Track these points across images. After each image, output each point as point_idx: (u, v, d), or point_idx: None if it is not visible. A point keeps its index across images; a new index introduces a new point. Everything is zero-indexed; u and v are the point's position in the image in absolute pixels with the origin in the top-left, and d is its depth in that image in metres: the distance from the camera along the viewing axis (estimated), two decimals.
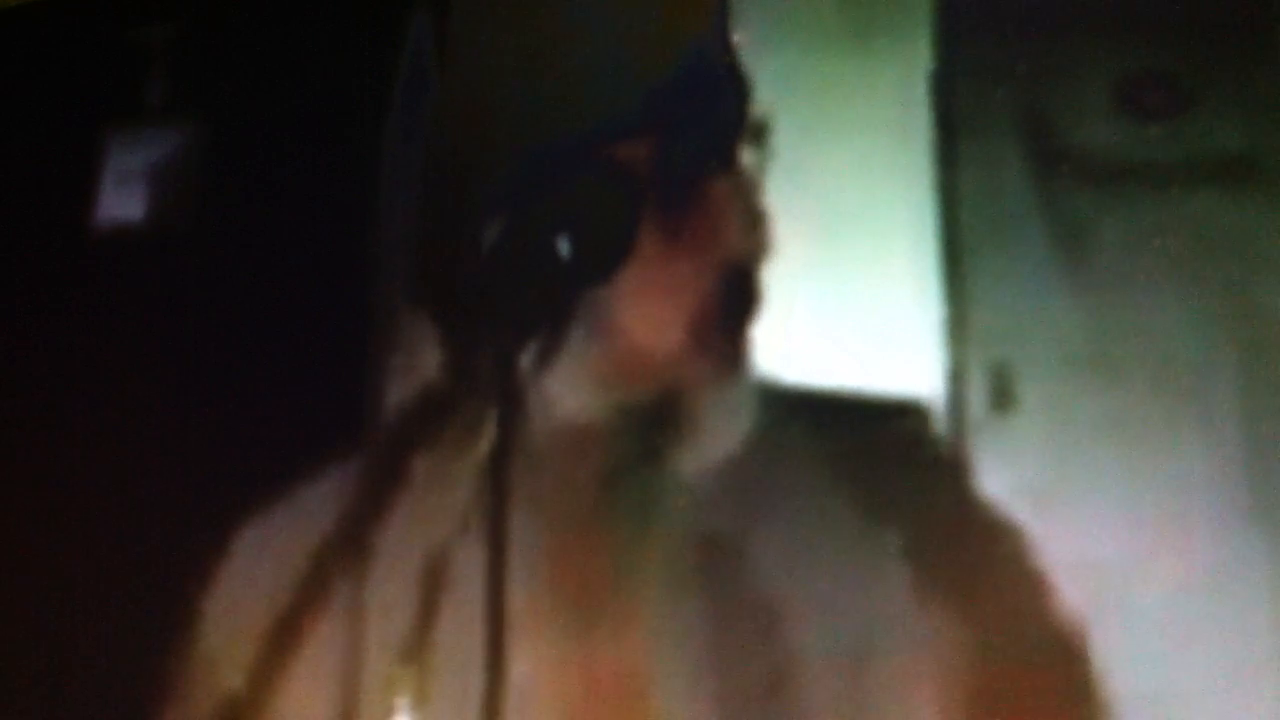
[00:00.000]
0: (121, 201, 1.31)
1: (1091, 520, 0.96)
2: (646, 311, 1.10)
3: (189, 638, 1.15)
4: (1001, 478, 0.98)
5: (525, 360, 1.12)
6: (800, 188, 1.09)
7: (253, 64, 1.30)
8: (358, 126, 1.23)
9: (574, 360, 1.11)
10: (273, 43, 1.30)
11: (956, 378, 1.01)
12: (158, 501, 1.21)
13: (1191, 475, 0.94)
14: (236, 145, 1.28)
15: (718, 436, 1.05)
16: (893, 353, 1.03)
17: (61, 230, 1.32)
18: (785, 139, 1.10)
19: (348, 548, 1.13)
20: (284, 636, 1.13)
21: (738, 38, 1.13)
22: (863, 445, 1.01)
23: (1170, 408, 0.96)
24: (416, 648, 1.09)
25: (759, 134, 1.10)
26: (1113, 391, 0.97)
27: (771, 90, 1.11)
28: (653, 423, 1.07)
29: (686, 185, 1.11)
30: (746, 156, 1.10)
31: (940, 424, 1.00)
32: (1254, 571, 0.92)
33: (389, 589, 1.10)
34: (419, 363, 1.15)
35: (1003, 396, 0.99)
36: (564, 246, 1.14)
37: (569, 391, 1.10)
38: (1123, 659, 0.92)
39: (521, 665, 1.06)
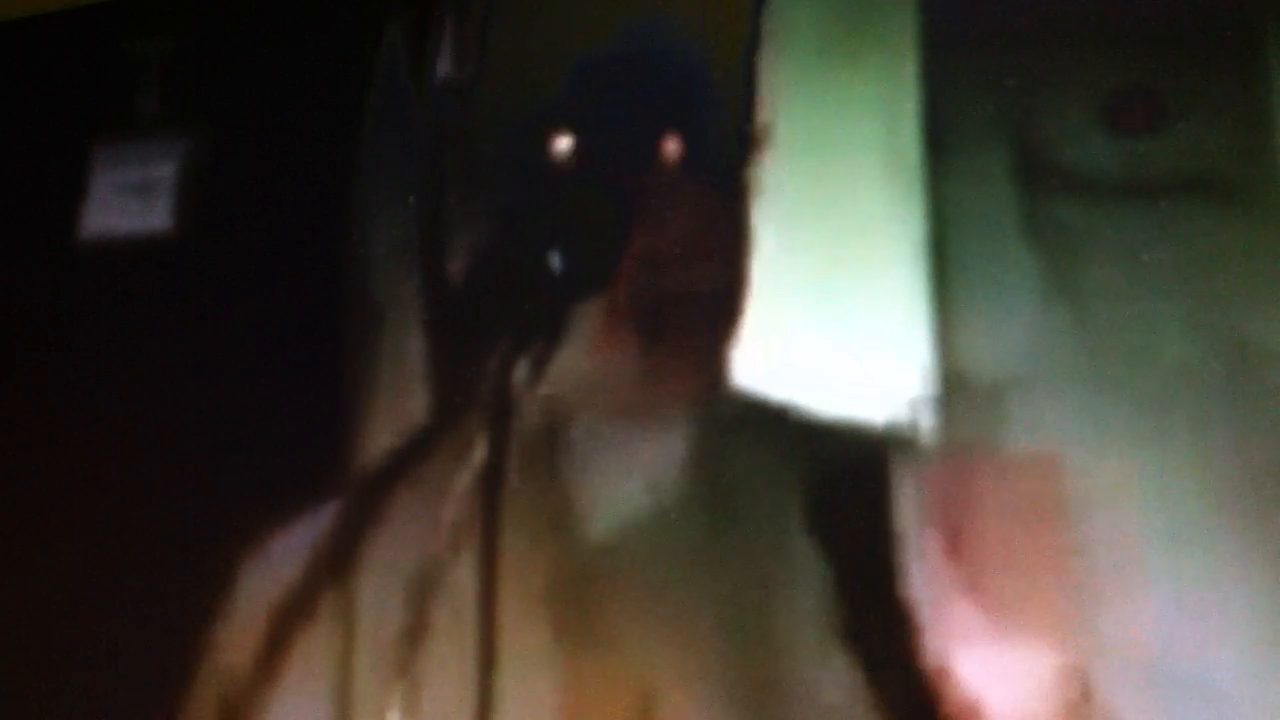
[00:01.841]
0: (110, 212, 1.31)
1: (1083, 531, 0.96)
2: (633, 325, 1.10)
3: (198, 657, 1.15)
4: (995, 491, 0.99)
5: (517, 374, 1.12)
6: (790, 203, 1.09)
7: (246, 76, 1.30)
8: (349, 139, 1.24)
9: (565, 374, 1.11)
10: (266, 56, 1.30)
11: (947, 395, 1.01)
12: (154, 514, 1.21)
13: (1183, 486, 0.95)
14: (228, 156, 1.28)
15: (706, 454, 1.05)
16: (882, 369, 1.03)
17: (51, 240, 1.32)
18: (775, 154, 1.10)
19: (338, 562, 1.13)
20: (277, 650, 1.12)
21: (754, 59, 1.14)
22: (834, 466, 1.02)
23: (1160, 420, 0.96)
24: (408, 660, 1.08)
25: (755, 149, 1.11)
26: (1103, 406, 0.98)
27: (764, 107, 1.12)
28: (643, 438, 1.07)
29: (678, 196, 1.12)
30: (741, 172, 1.10)
31: (929, 442, 1.00)
32: (1247, 574, 0.92)
33: (380, 602, 1.10)
34: (408, 378, 1.15)
35: (994, 413, 1.00)
36: (556, 260, 1.14)
37: (561, 405, 1.10)
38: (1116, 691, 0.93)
39: (513, 677, 1.06)
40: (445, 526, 1.10)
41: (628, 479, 1.07)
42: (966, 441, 1.00)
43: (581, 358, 1.11)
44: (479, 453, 1.11)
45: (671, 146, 1.13)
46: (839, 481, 1.01)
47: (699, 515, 1.05)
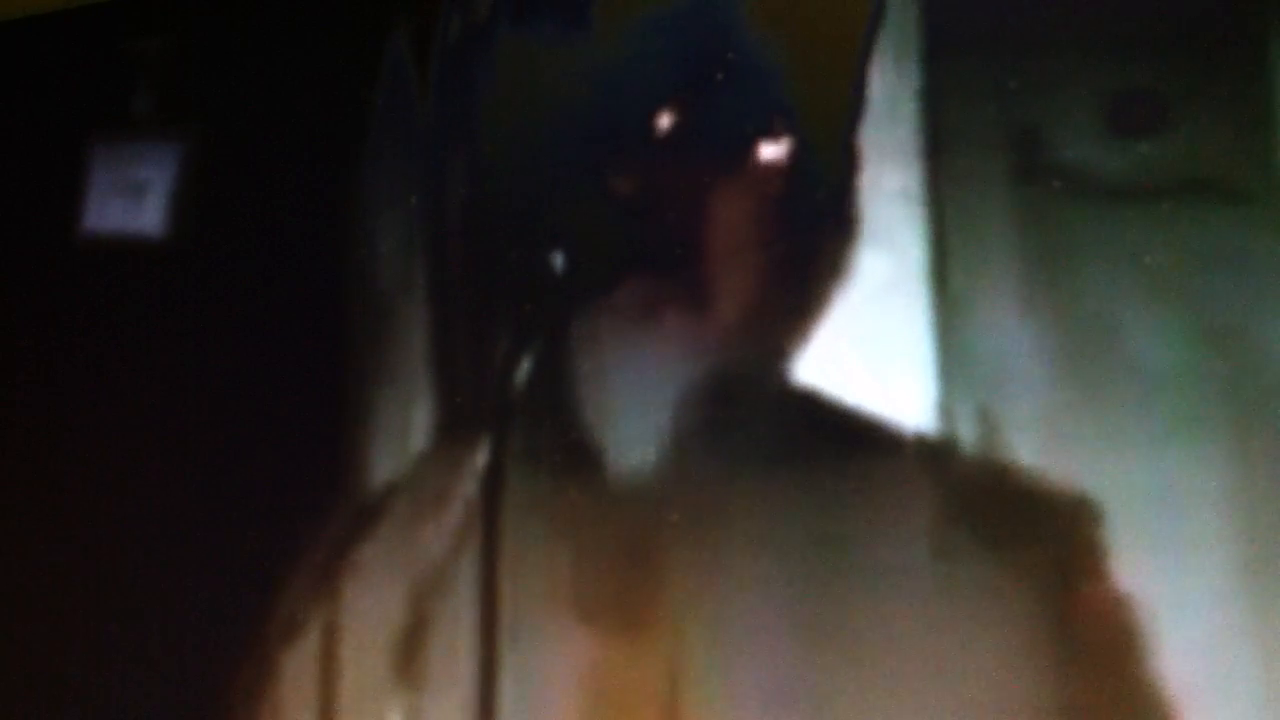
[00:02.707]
0: (107, 212, 1.30)
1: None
2: (648, 324, 1.10)
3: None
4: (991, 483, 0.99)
5: (519, 376, 1.12)
6: None
7: (246, 76, 1.29)
8: (351, 139, 1.23)
9: (568, 375, 1.11)
10: (266, 56, 1.29)
11: (945, 394, 1.01)
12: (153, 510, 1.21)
13: (1183, 488, 0.95)
14: (227, 157, 1.28)
15: (708, 454, 1.05)
16: (882, 368, 1.03)
17: (47, 240, 1.32)
18: None
19: (338, 565, 1.12)
20: (275, 652, 1.12)
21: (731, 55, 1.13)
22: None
23: (1161, 422, 0.96)
24: (408, 664, 1.08)
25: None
26: (1103, 406, 0.98)
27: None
28: (647, 439, 1.07)
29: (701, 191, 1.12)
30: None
31: (924, 442, 1.01)
32: (1247, 576, 0.92)
33: (380, 606, 1.10)
34: (410, 380, 1.15)
35: (992, 414, 1.00)
36: (558, 260, 1.14)
37: (564, 407, 1.10)
38: None
39: (514, 681, 1.06)
40: (447, 529, 1.10)
41: (638, 481, 1.07)
42: (966, 443, 1.00)
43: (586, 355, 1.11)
44: (481, 455, 1.11)
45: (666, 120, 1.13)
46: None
47: (705, 517, 1.05)
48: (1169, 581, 0.94)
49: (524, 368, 1.12)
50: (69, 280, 1.30)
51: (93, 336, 1.27)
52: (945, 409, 1.01)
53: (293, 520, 1.15)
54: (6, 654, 1.22)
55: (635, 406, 1.09)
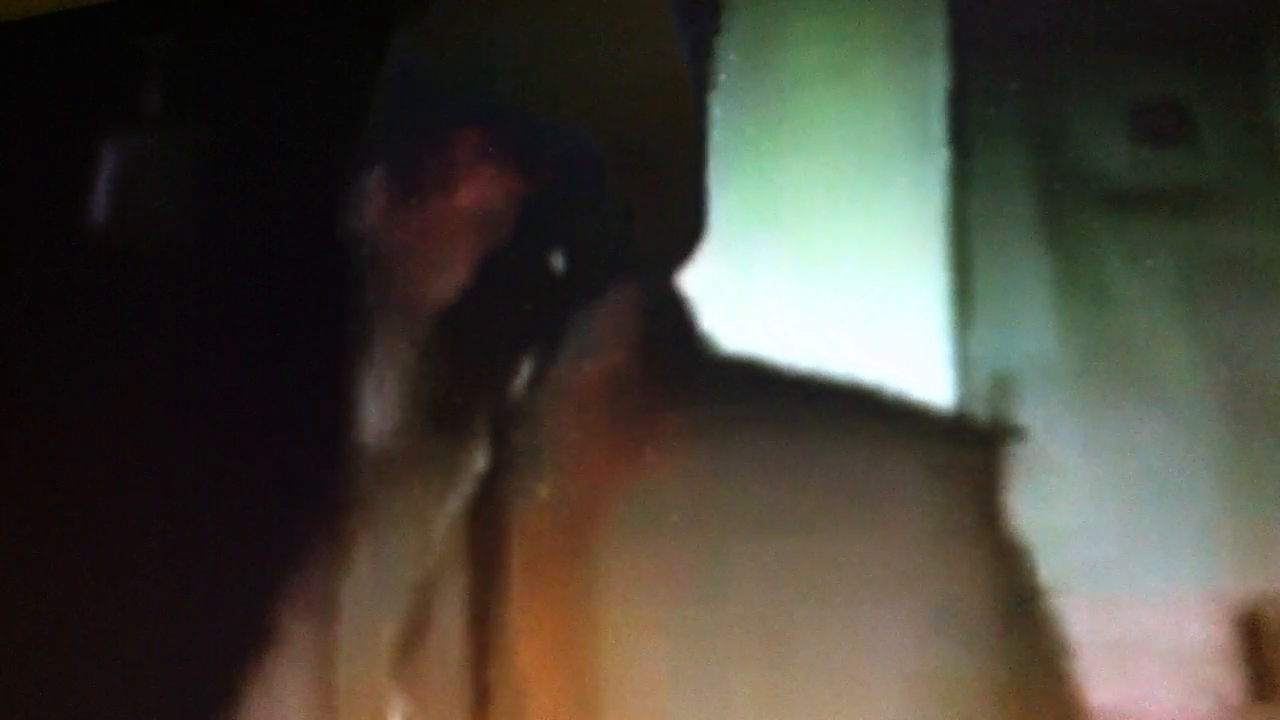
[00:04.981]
0: (114, 208, 1.31)
1: (1084, 535, 0.98)
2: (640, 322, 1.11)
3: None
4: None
5: (518, 377, 1.13)
6: (814, 203, 1.10)
7: (250, 75, 1.30)
8: (353, 138, 1.24)
9: (565, 378, 1.11)
10: (270, 55, 1.30)
11: (961, 390, 1.02)
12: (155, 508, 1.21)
13: (1183, 491, 0.96)
14: (232, 154, 1.28)
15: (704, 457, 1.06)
16: (901, 363, 1.04)
17: (55, 236, 1.32)
18: (797, 150, 1.11)
19: (337, 564, 1.12)
20: (274, 649, 1.12)
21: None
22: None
23: (1162, 424, 0.98)
24: (406, 662, 1.08)
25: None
26: (1106, 408, 0.99)
27: (787, 103, 1.13)
28: (643, 439, 1.08)
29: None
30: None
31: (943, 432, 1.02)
32: (1247, 570, 0.94)
33: (379, 605, 1.10)
34: (410, 380, 1.16)
35: (1002, 408, 1.01)
36: (558, 261, 1.14)
37: (560, 409, 1.10)
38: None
39: (509, 679, 1.06)
40: (445, 529, 1.10)
41: (635, 481, 1.07)
42: (980, 435, 1.01)
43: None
44: (479, 456, 1.11)
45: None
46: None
47: (704, 516, 1.06)
48: (1164, 577, 0.96)
49: (524, 369, 1.13)
50: (76, 275, 1.30)
51: (100, 330, 1.27)
52: (962, 403, 1.02)
53: (293, 518, 1.15)
54: (8, 652, 1.22)
55: (638, 407, 1.09)
